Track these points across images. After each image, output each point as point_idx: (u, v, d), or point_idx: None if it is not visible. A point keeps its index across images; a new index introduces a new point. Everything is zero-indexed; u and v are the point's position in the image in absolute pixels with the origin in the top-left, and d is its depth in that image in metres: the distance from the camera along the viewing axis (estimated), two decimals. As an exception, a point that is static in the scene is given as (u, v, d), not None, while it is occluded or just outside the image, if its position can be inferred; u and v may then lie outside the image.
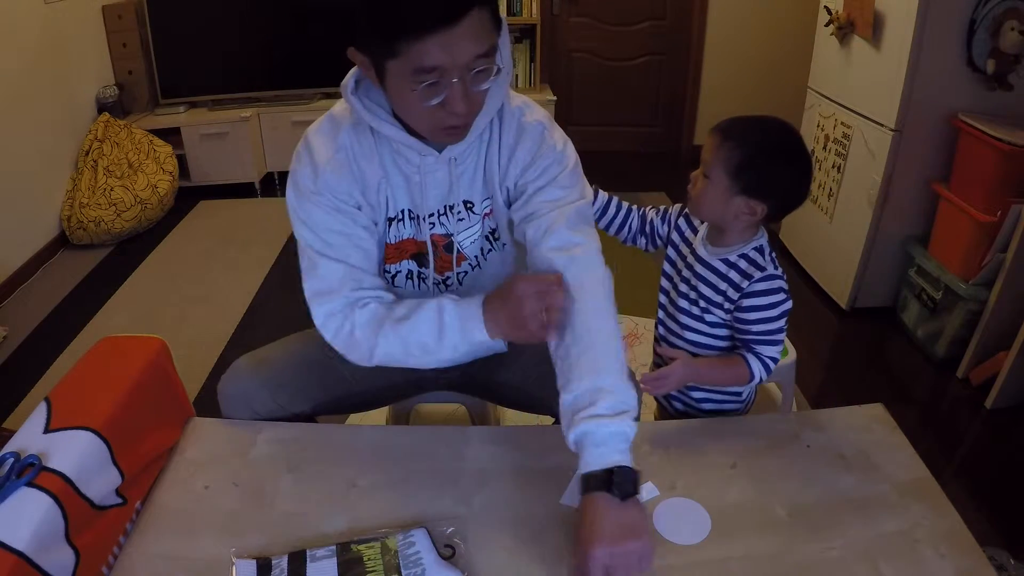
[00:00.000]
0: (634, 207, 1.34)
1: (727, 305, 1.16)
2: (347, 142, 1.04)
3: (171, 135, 3.54)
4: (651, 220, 1.31)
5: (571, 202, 1.08)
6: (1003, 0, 2.09)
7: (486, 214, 1.14)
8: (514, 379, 1.27)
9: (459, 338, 1.00)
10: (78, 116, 3.30)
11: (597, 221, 1.29)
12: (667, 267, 1.28)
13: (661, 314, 1.30)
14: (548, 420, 1.30)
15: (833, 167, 2.66)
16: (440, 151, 1.04)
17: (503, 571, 0.91)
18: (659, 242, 1.31)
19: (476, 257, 1.17)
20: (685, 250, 1.24)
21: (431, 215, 1.10)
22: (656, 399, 1.36)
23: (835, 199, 2.65)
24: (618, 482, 0.87)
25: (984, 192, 2.11)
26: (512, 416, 1.61)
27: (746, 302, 1.14)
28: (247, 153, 3.65)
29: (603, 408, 0.90)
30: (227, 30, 3.64)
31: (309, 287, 1.06)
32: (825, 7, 2.66)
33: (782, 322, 1.15)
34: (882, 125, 2.32)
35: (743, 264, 1.14)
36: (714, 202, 1.12)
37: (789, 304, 1.14)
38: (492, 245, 1.17)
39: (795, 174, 1.11)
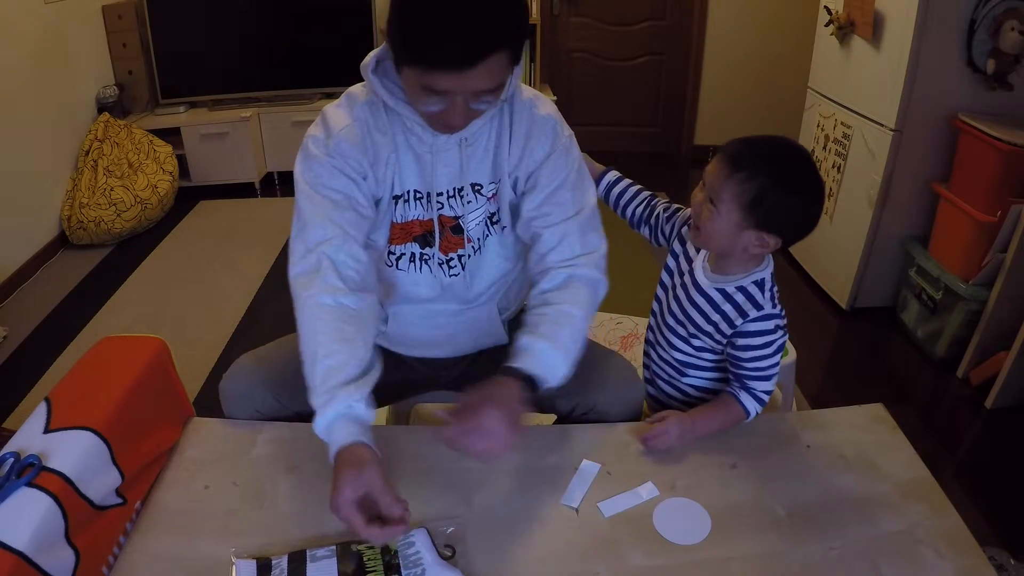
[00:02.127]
0: (644, 193, 1.32)
1: (717, 336, 1.14)
2: (362, 115, 1.07)
3: (171, 135, 3.54)
4: (657, 213, 1.29)
5: (580, 209, 1.13)
6: (1003, 0, 2.09)
7: (490, 197, 1.15)
8: None
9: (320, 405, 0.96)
10: (78, 116, 3.30)
11: (605, 198, 1.30)
12: (664, 276, 1.25)
13: (652, 322, 1.28)
14: (548, 420, 1.30)
15: (833, 167, 2.66)
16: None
17: (503, 571, 0.91)
18: (663, 239, 1.28)
19: (478, 239, 1.18)
20: (684, 266, 1.20)
21: (440, 194, 1.12)
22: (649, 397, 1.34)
23: (835, 199, 2.65)
24: (534, 393, 0.99)
25: (984, 192, 2.11)
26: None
27: (740, 340, 1.11)
28: (247, 153, 3.65)
29: (558, 350, 1.03)
30: (227, 30, 3.64)
31: (295, 233, 1.07)
32: (825, 7, 2.66)
33: (777, 358, 1.11)
34: (882, 125, 2.32)
35: (739, 298, 1.10)
36: (724, 236, 1.06)
37: (784, 339, 1.11)
38: (490, 230, 1.18)
39: (810, 205, 1.04)
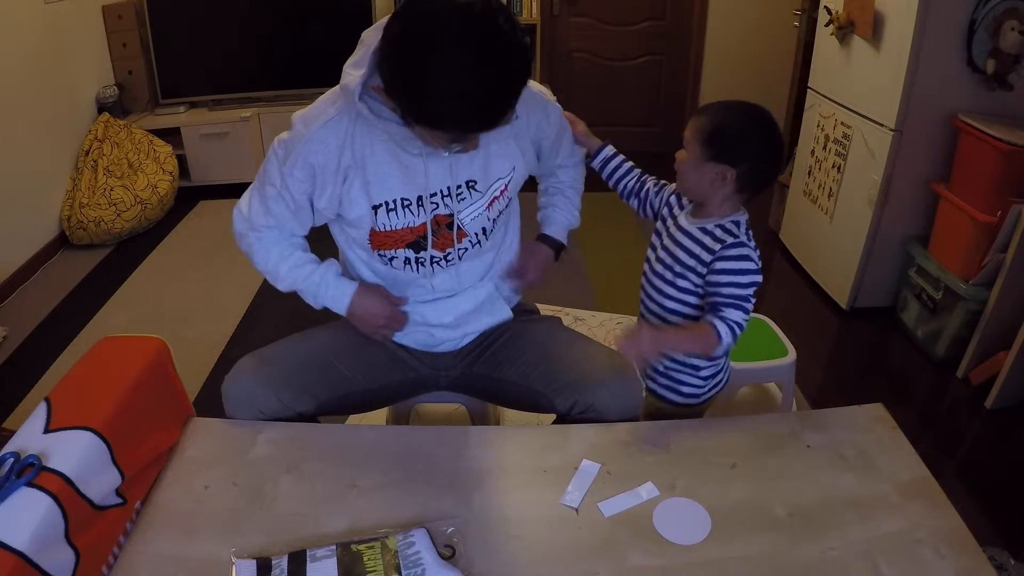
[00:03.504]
0: (636, 169, 1.43)
1: (700, 269, 1.19)
2: (320, 133, 1.10)
3: (171, 135, 3.54)
4: (647, 188, 1.40)
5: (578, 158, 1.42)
6: (1003, 0, 2.09)
7: (498, 194, 1.19)
8: (515, 376, 1.28)
9: (316, 299, 1.24)
10: (78, 116, 3.30)
11: (600, 171, 1.41)
12: (653, 238, 1.34)
13: (643, 281, 1.34)
14: (548, 420, 1.30)
15: (833, 167, 2.66)
16: None
17: (503, 571, 0.91)
18: (650, 212, 1.39)
19: (477, 234, 1.21)
20: (670, 223, 1.29)
21: (433, 195, 1.14)
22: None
23: (835, 199, 2.65)
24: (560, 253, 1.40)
25: (984, 192, 2.11)
26: (512, 416, 1.61)
27: (717, 264, 1.17)
28: (247, 153, 3.64)
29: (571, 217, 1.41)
30: (227, 30, 3.64)
31: (247, 192, 1.28)
32: (825, 7, 2.66)
33: (751, 290, 1.17)
34: (882, 125, 2.32)
35: (718, 232, 1.19)
36: (690, 170, 1.19)
37: (759, 277, 1.18)
38: (489, 224, 1.22)
39: (761, 142, 1.16)
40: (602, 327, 1.73)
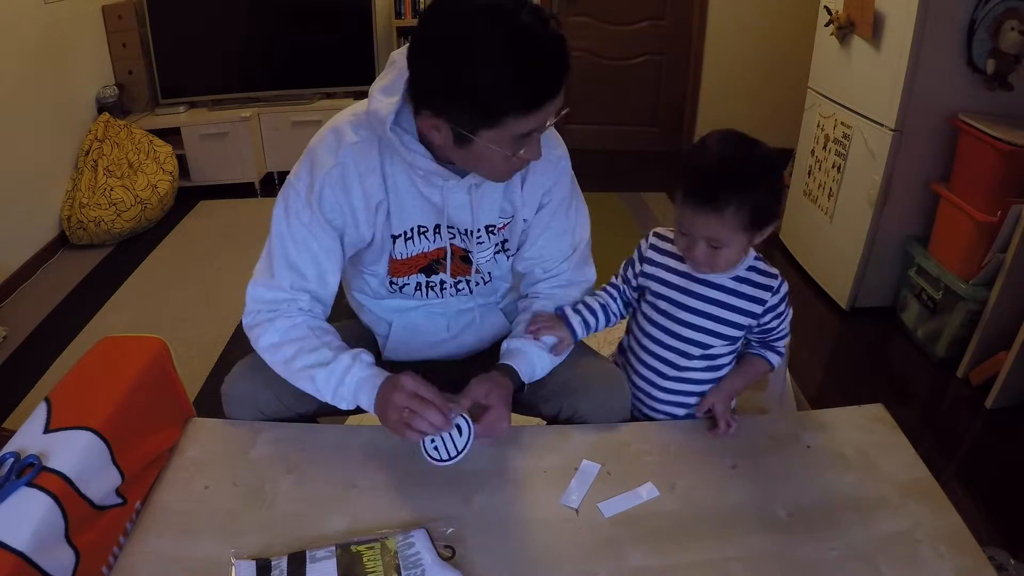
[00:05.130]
0: (601, 300, 1.25)
1: (742, 321, 1.14)
2: (349, 159, 1.06)
3: (171, 135, 3.54)
4: (620, 298, 1.26)
5: (576, 247, 1.24)
6: (1003, 0, 2.09)
7: (501, 227, 1.18)
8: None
9: (339, 397, 1.08)
10: (78, 116, 3.30)
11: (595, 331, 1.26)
12: (647, 314, 1.21)
13: (641, 370, 1.24)
14: (543, 422, 1.30)
15: (833, 167, 2.66)
16: (463, 176, 1.08)
17: (503, 571, 0.91)
18: (629, 307, 1.28)
19: (489, 272, 1.23)
20: (674, 281, 1.17)
21: (451, 227, 1.14)
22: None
23: (835, 199, 2.65)
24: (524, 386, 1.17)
25: (984, 192, 2.11)
26: (512, 416, 1.60)
27: (771, 315, 1.15)
28: (247, 153, 3.64)
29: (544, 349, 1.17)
30: (227, 30, 3.64)
31: (258, 271, 1.14)
32: (825, 7, 2.66)
33: (790, 312, 1.19)
34: (882, 125, 2.32)
35: (755, 277, 1.13)
36: (737, 256, 1.09)
37: None
38: (498, 259, 1.22)
39: (778, 175, 1.08)
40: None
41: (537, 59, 0.89)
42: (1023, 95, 2.18)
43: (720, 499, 1.02)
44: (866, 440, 1.13)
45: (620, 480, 1.05)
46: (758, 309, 1.13)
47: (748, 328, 1.17)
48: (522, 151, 0.98)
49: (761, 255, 1.16)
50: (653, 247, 1.21)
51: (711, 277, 1.14)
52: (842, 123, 2.58)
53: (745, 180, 1.01)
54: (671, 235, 1.17)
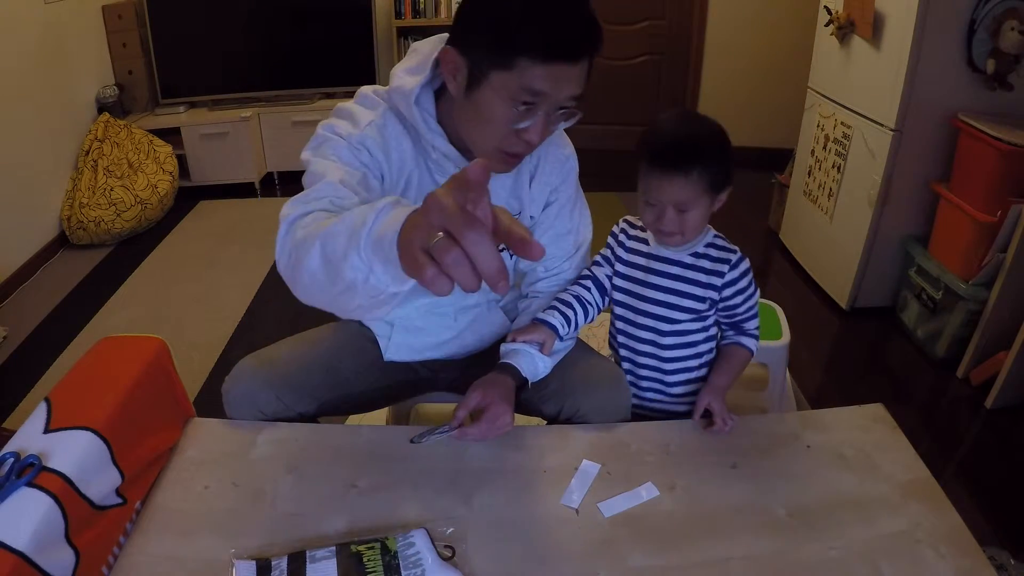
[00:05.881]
0: (573, 302, 1.24)
1: (702, 292, 1.19)
2: (389, 120, 1.06)
3: (171, 135, 3.54)
4: (588, 299, 1.26)
5: (579, 247, 1.27)
6: (1003, 0, 2.09)
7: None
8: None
9: (367, 252, 0.72)
10: (78, 116, 3.30)
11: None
12: (620, 295, 1.26)
13: (623, 340, 1.29)
14: (543, 422, 1.30)
15: (833, 167, 2.66)
16: None
17: (503, 571, 0.91)
18: (605, 296, 1.29)
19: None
20: (639, 262, 1.24)
21: None
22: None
23: (835, 199, 2.65)
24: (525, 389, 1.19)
25: (984, 192, 2.11)
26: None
27: (730, 288, 1.18)
28: (247, 153, 3.64)
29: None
30: (227, 30, 3.64)
31: (298, 196, 0.94)
32: (825, 7, 2.66)
33: (757, 292, 1.22)
34: (882, 125, 2.32)
35: (712, 252, 1.19)
36: (701, 221, 1.15)
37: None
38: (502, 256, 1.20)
39: (729, 145, 1.14)
40: (602, 327, 1.72)
41: (564, 8, 0.91)
42: (1023, 95, 2.19)
43: (720, 499, 1.02)
44: (866, 440, 1.13)
45: (620, 480, 1.05)
46: (718, 282, 1.18)
47: (713, 303, 1.20)
48: (523, 123, 0.96)
49: (721, 234, 1.20)
50: (624, 232, 1.28)
51: (671, 254, 1.20)
52: (842, 123, 2.58)
53: (706, 146, 1.11)
54: (639, 223, 1.25)
